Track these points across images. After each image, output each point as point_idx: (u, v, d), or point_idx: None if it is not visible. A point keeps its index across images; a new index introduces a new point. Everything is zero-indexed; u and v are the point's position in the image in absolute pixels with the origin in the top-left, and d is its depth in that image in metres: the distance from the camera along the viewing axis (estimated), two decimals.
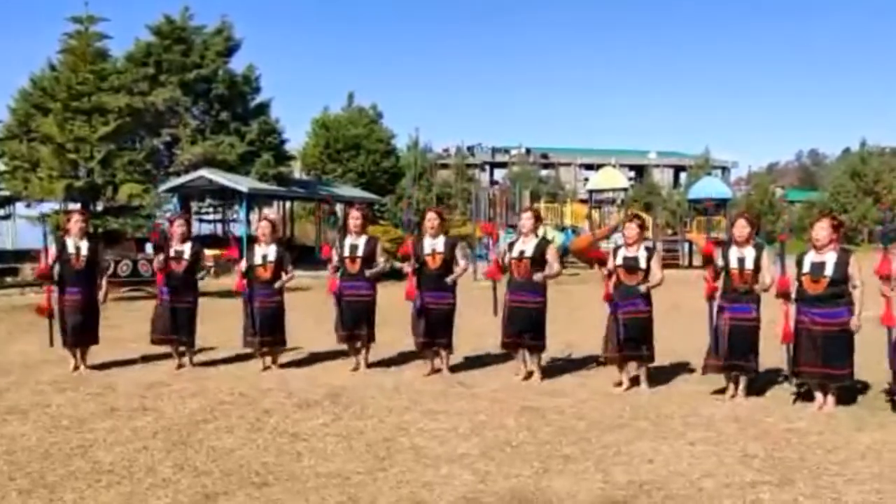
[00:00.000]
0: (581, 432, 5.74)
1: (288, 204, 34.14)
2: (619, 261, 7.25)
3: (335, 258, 8.11)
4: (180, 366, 8.23)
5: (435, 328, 7.73)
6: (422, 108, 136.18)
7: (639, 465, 5.00)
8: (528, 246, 7.55)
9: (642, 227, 7.44)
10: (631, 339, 7.12)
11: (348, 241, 8.09)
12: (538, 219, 7.90)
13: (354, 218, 8.15)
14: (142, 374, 7.92)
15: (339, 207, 28.42)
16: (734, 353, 6.76)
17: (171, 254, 8.31)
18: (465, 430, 5.81)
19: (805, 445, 5.41)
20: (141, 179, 20.55)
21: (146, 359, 8.60)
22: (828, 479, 4.71)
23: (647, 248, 7.33)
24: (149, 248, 20.91)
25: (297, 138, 39.52)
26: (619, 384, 7.24)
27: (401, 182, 41.67)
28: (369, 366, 8.17)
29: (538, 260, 7.50)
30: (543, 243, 7.66)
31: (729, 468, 4.92)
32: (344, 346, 8.33)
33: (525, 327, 7.52)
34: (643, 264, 7.17)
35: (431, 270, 7.73)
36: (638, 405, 6.58)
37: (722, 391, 6.95)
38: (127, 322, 11.67)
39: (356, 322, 8.00)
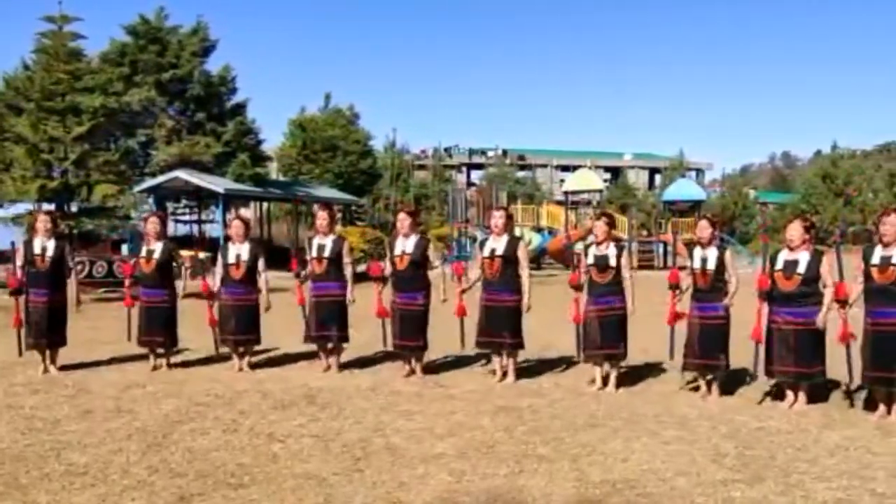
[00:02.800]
0: (556, 432, 5.80)
1: (264, 205, 34.07)
2: (591, 259, 7.33)
3: (302, 272, 8.18)
4: (155, 368, 8.17)
5: (406, 330, 7.75)
6: (399, 109, 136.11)
7: (612, 463, 5.06)
8: (499, 244, 7.58)
9: (611, 224, 7.49)
10: (608, 336, 7.20)
11: (316, 241, 8.07)
12: (510, 217, 7.94)
13: (321, 218, 8.14)
14: (116, 376, 7.86)
15: (315, 208, 28.21)
16: (705, 351, 6.88)
17: (143, 253, 8.22)
18: (442, 430, 5.84)
19: (776, 444, 5.50)
20: (116, 180, 20.40)
21: (121, 360, 8.54)
22: (797, 477, 4.79)
23: (618, 247, 7.40)
24: (124, 249, 20.79)
25: (273, 139, 39.28)
26: (594, 382, 7.30)
27: (378, 183, 41.63)
28: (341, 367, 8.15)
29: (510, 258, 7.53)
30: (515, 241, 7.68)
31: (701, 466, 4.99)
32: (314, 347, 8.28)
33: (503, 326, 7.52)
34: (613, 262, 7.24)
35: (399, 271, 7.75)
36: (612, 405, 6.64)
37: (696, 388, 7.05)
38: (102, 323, 11.56)
39: (326, 322, 7.97)
